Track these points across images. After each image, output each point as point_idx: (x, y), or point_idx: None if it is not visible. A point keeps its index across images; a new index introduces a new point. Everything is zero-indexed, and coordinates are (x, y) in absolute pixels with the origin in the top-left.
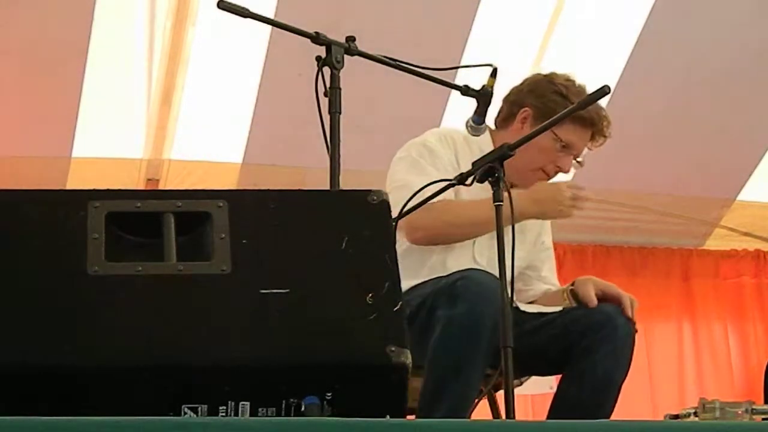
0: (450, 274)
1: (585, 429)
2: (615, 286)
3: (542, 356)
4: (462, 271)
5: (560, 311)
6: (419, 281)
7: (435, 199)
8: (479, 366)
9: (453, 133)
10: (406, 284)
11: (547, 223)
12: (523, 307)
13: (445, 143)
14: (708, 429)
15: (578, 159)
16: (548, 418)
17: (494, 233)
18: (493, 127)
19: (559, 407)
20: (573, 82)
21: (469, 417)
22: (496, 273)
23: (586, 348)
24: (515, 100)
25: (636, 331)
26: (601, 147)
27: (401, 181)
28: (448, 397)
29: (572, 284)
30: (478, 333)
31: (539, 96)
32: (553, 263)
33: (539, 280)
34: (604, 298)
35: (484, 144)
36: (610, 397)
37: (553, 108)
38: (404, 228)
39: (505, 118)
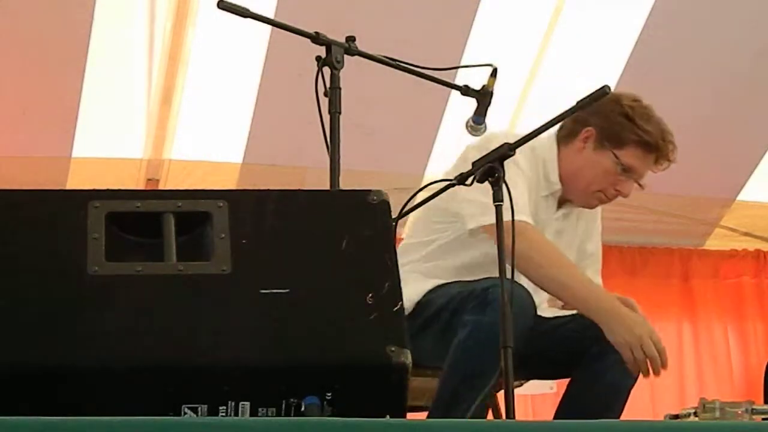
0: (480, 279)
1: (585, 429)
2: (637, 306)
3: (552, 359)
4: (494, 278)
5: (574, 314)
6: (445, 281)
7: (528, 218)
8: (497, 376)
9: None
10: (432, 283)
11: (595, 228)
12: (540, 311)
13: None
14: (708, 429)
15: (640, 182)
16: (555, 419)
17: None
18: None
19: (566, 410)
20: (639, 102)
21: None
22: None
23: (597, 353)
24: (579, 117)
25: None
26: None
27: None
28: (465, 401)
29: None
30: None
31: (604, 117)
32: (596, 268)
33: None
34: None
35: (549, 154)
36: (618, 403)
37: (618, 131)
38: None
39: (567, 134)
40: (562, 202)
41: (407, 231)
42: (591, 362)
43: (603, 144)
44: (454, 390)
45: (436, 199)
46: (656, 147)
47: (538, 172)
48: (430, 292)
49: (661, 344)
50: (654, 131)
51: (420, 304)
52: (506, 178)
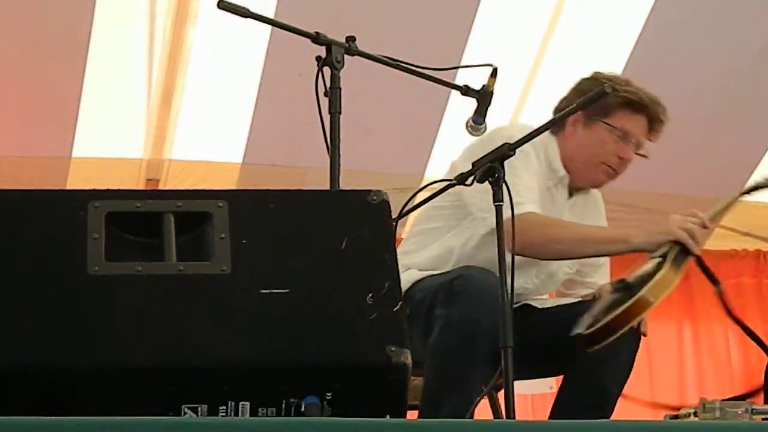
0: (450, 271)
1: (585, 429)
2: None
3: (546, 355)
4: (461, 267)
5: (568, 305)
6: (426, 274)
7: (533, 207)
8: (479, 367)
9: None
10: (414, 275)
11: (602, 222)
12: (534, 302)
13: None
14: (708, 429)
15: (641, 152)
16: (550, 418)
17: None
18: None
19: (560, 409)
20: (617, 76)
21: (472, 416)
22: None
23: (587, 352)
24: (562, 107)
25: (644, 335)
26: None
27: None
28: (449, 399)
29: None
30: (477, 334)
31: (584, 94)
32: (606, 271)
33: (583, 285)
34: None
35: (549, 146)
36: (611, 401)
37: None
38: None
39: (558, 125)
40: (572, 192)
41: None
42: (585, 359)
43: (591, 119)
44: (435, 390)
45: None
46: (642, 105)
47: (542, 164)
48: (413, 285)
49: (690, 216)
50: (636, 91)
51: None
52: (515, 167)
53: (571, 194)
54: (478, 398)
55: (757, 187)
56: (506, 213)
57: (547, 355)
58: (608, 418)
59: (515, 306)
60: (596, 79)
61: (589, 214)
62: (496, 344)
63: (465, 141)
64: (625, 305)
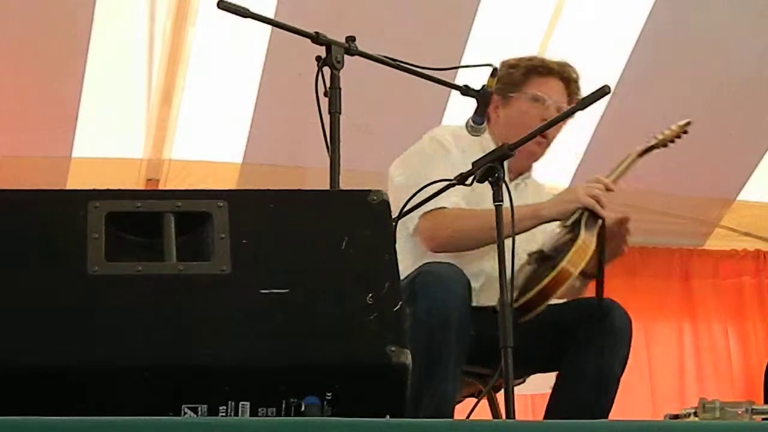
0: (412, 272)
1: (585, 429)
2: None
3: (537, 352)
4: (420, 265)
5: (559, 305)
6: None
7: (443, 203)
8: (452, 362)
9: (460, 130)
10: None
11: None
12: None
13: (455, 140)
14: (708, 429)
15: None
16: (546, 417)
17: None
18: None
19: (557, 406)
20: (523, 56)
21: (453, 415)
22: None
23: (581, 343)
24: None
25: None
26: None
27: (418, 176)
28: (426, 399)
29: None
30: (443, 329)
31: (500, 81)
32: None
33: None
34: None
35: (485, 141)
36: (609, 392)
37: (511, 79)
38: (420, 236)
39: (487, 121)
40: (514, 175)
41: None
42: (577, 353)
43: (507, 97)
44: (410, 391)
45: None
46: (547, 67)
47: (475, 154)
48: None
49: (593, 182)
50: (538, 58)
51: None
52: (430, 161)
53: (512, 179)
54: (478, 398)
55: (652, 147)
56: (425, 208)
57: (539, 353)
58: (609, 407)
59: (493, 305)
60: (503, 65)
61: (533, 196)
62: (466, 333)
63: None
64: (548, 278)
